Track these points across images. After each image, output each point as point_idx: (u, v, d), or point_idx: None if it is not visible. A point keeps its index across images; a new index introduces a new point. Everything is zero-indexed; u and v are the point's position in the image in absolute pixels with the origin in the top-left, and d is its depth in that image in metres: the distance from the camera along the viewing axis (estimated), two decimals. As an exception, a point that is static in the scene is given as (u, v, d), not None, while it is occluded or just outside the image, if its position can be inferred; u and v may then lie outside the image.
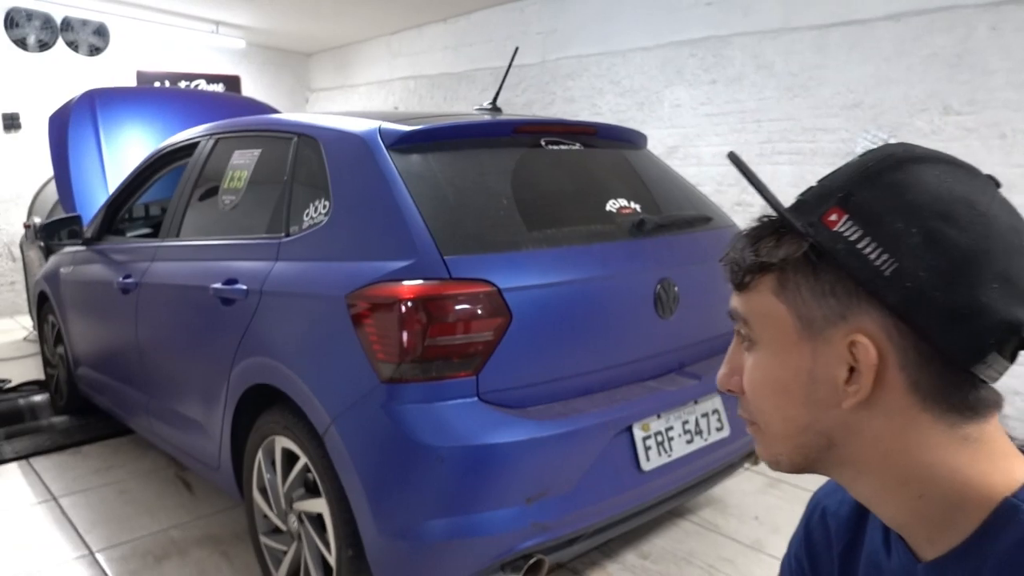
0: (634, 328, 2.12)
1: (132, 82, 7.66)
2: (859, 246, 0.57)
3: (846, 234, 0.57)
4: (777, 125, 4.49)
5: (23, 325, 6.59)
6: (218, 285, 2.43)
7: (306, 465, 2.07)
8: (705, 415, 2.22)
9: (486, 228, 1.99)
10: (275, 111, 5.42)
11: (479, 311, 1.81)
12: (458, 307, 1.80)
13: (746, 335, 0.67)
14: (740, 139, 4.72)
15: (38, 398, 4.35)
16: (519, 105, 6.52)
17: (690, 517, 2.84)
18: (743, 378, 0.68)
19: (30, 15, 7.16)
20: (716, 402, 2.26)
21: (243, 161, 2.74)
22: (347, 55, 8.78)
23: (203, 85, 8.22)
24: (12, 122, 7.17)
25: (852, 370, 0.59)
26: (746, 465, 2.64)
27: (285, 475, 2.18)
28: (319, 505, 2.04)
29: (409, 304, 1.78)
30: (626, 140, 2.71)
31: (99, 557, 2.67)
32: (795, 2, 4.34)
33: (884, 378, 0.58)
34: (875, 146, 0.65)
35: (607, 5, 5.61)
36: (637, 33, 5.38)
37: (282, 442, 2.17)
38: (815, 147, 4.26)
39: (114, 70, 7.57)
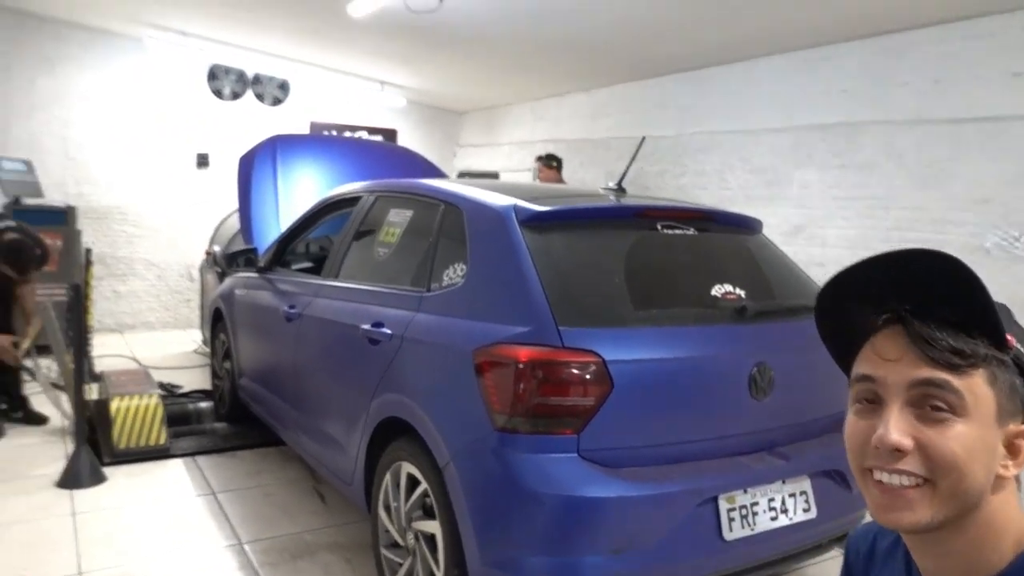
0: (727, 407, 2.33)
1: (306, 130, 8.58)
2: None
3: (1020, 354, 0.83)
4: (905, 214, 4.52)
5: (193, 338, 7.46)
6: (367, 326, 2.85)
7: (426, 491, 2.41)
8: (792, 495, 2.37)
9: (598, 304, 2.29)
10: (431, 164, 5.99)
11: (584, 378, 2.10)
12: (566, 373, 2.09)
13: (952, 405, 0.81)
14: (868, 224, 4.77)
15: (204, 404, 4.98)
16: (652, 174, 6.80)
17: (776, 591, 2.95)
18: (923, 441, 0.82)
19: (228, 70, 8.25)
20: (805, 484, 2.41)
21: (397, 219, 3.19)
22: (495, 116, 9.42)
23: (364, 135, 9.06)
24: (203, 160, 8.23)
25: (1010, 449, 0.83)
26: (835, 548, 2.72)
27: (407, 497, 2.53)
28: (433, 527, 2.36)
29: (524, 365, 2.10)
30: (741, 225, 2.93)
31: (246, 548, 3.13)
32: (929, 95, 4.40)
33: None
34: (1006, 243, 0.94)
35: (743, 86, 5.83)
36: (770, 114, 5.55)
37: (407, 468, 2.52)
38: (943, 239, 4.25)
39: (292, 119, 8.53)
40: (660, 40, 5.69)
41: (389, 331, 2.73)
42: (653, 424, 2.21)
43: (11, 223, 4.53)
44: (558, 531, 2.07)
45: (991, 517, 0.82)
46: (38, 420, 4.69)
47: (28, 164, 6.83)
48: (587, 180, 7.68)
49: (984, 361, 0.81)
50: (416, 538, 2.49)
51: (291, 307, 3.62)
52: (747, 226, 2.92)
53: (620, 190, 2.99)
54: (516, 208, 2.50)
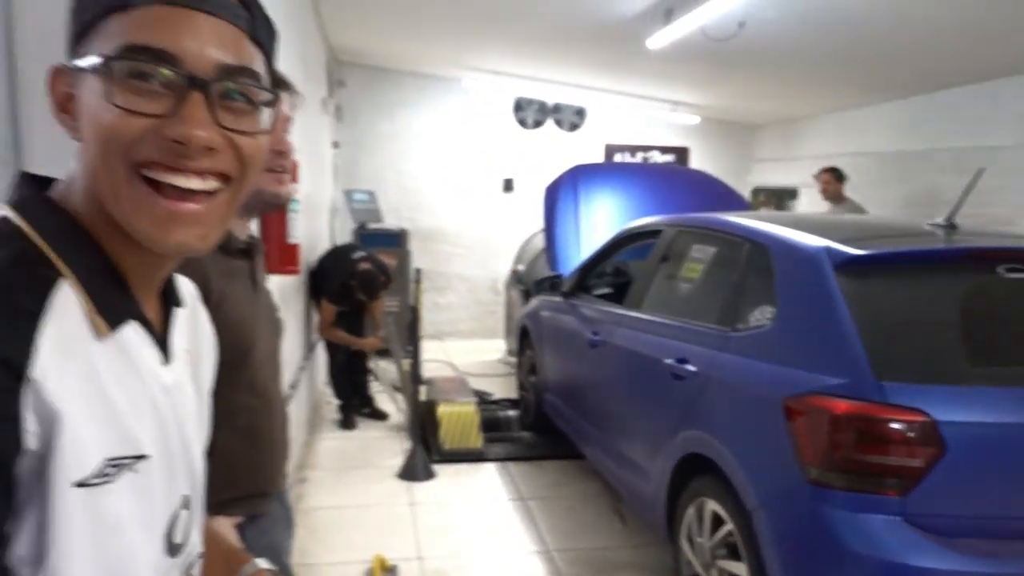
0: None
1: (600, 151, 8.97)
2: None
3: None
4: None
5: (498, 347, 8.20)
6: (671, 361, 2.97)
7: (731, 531, 2.47)
8: None
9: (925, 358, 2.17)
10: (729, 189, 5.96)
11: (911, 439, 2.00)
12: (889, 431, 2.02)
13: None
14: None
15: (512, 413, 5.48)
16: (984, 190, 6.02)
17: None
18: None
19: (531, 101, 8.94)
20: None
21: (700, 255, 3.27)
22: (792, 128, 9.01)
23: (657, 155, 9.21)
24: (508, 185, 9.00)
25: None
26: None
27: (711, 534, 2.60)
28: (739, 568, 2.41)
29: (841, 420, 2.07)
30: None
31: (554, 555, 3.43)
32: None
33: None
34: None
35: (1112, 85, 4.94)
36: None
37: (712, 505, 2.59)
38: None
39: (588, 142, 8.99)
40: (995, 42, 5.06)
41: (693, 367, 2.82)
42: (996, 494, 2.04)
43: (363, 253, 5.39)
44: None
45: None
46: (381, 416, 5.53)
47: (371, 194, 8.04)
48: (900, 198, 7.04)
49: None
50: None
51: (595, 333, 3.86)
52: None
53: (950, 227, 2.76)
54: (830, 251, 2.45)
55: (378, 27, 6.76)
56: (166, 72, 0.63)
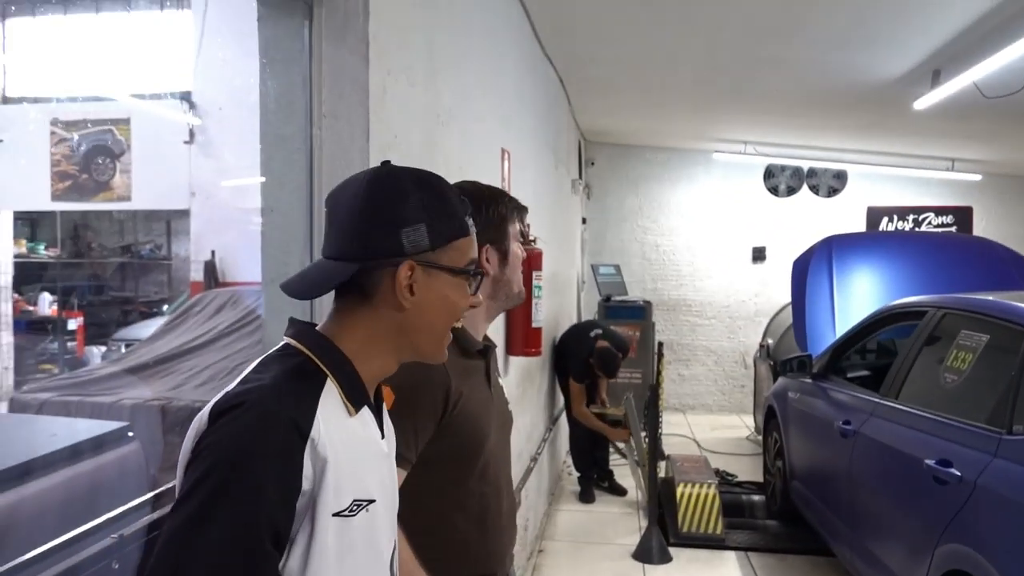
0: None
1: (862, 217, 8.33)
2: None
3: None
4: None
5: (747, 424, 7.82)
6: (931, 462, 2.66)
7: (1004, 668, 2.12)
8: None
9: None
10: (1017, 257, 5.21)
11: None
12: None
13: None
14: None
15: (756, 498, 5.19)
16: None
17: None
18: None
19: (783, 168, 8.61)
20: None
21: (970, 343, 2.91)
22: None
23: (932, 218, 8.32)
24: (759, 254, 8.70)
25: None
26: None
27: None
28: None
29: None
30: None
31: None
32: None
33: None
34: None
35: None
36: None
37: (982, 633, 2.25)
38: None
39: (847, 208, 8.41)
40: None
41: (959, 473, 2.50)
42: None
43: (599, 330, 5.50)
44: None
45: None
46: (620, 491, 5.53)
47: (617, 268, 8.22)
48: None
49: None
50: None
51: (847, 423, 3.57)
52: None
53: None
54: None
55: (622, 108, 7.03)
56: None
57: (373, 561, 0.99)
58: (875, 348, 4.63)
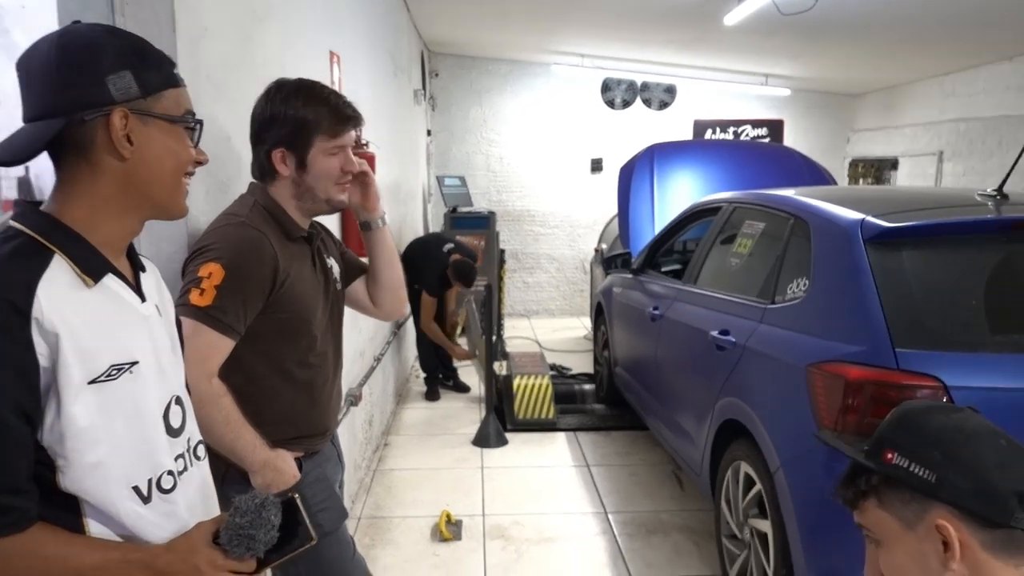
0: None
1: (690, 129, 8.91)
2: (910, 469, 0.92)
3: (901, 464, 0.93)
4: None
5: (584, 325, 8.38)
6: (715, 333, 3.08)
7: (760, 491, 2.58)
8: None
9: (945, 326, 2.21)
10: (812, 164, 5.84)
11: (916, 400, 2.07)
12: (898, 395, 2.09)
13: (873, 538, 1.00)
14: None
15: (587, 387, 5.68)
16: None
17: None
18: (881, 569, 1.00)
19: (619, 82, 8.98)
20: None
21: (750, 231, 3.34)
22: (894, 96, 8.63)
23: (749, 129, 9.04)
24: (596, 165, 9.11)
25: (945, 544, 0.91)
26: None
27: (744, 494, 2.73)
28: (765, 526, 2.53)
29: (853, 384, 2.15)
30: None
31: (610, 517, 3.62)
32: None
33: (965, 543, 0.90)
34: None
35: None
36: None
37: (745, 468, 2.72)
38: None
39: (676, 120, 8.95)
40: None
41: (734, 339, 2.93)
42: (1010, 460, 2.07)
43: (451, 244, 5.65)
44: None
45: None
46: (464, 389, 5.86)
47: (462, 179, 8.35)
48: (1004, 166, 6.67)
49: (869, 493, 0.99)
50: (751, 534, 2.68)
51: (655, 308, 4.00)
52: None
53: (1001, 196, 2.72)
54: (863, 224, 2.49)
55: (465, 18, 7.02)
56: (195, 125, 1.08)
57: (143, 417, 1.03)
58: (683, 249, 5.10)
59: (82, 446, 0.94)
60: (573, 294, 9.39)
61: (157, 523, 1.04)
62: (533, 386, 5.08)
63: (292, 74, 1.83)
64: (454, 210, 7.85)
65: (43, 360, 0.91)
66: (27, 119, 0.98)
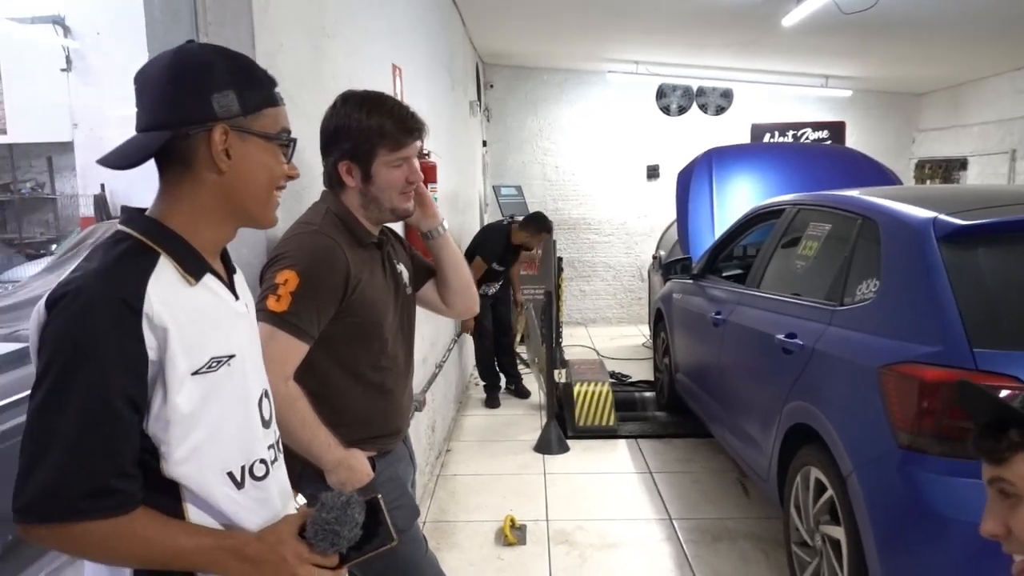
0: None
1: (747, 134, 8.79)
2: None
3: None
4: None
5: (643, 332, 8.33)
6: (782, 336, 3.04)
7: (831, 497, 2.54)
8: None
9: (1023, 325, 2.14)
10: (875, 164, 5.72)
11: (997, 401, 2.01)
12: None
13: (1011, 493, 0.97)
14: None
15: (647, 394, 5.64)
16: None
17: None
18: (1010, 525, 0.97)
19: (674, 88, 8.93)
20: None
21: (816, 233, 3.29)
22: (961, 93, 8.36)
23: (809, 132, 8.86)
24: (653, 172, 9.06)
25: None
26: None
27: (815, 500, 2.68)
28: (838, 533, 2.48)
29: (928, 386, 2.10)
30: None
31: (675, 523, 3.59)
32: None
33: None
34: None
35: None
36: None
37: (815, 473, 2.67)
38: None
39: (733, 125, 8.85)
40: None
41: (801, 342, 2.89)
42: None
43: (510, 217, 5.76)
44: (968, 556, 2.03)
45: None
46: (524, 394, 5.89)
47: (519, 189, 8.42)
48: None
49: (1018, 446, 0.96)
50: (823, 540, 2.63)
51: (718, 313, 3.96)
52: None
53: (1082, 192, 2.62)
54: (936, 222, 2.44)
55: (519, 30, 7.10)
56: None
57: (242, 405, 1.12)
58: (753, 253, 5.03)
59: (183, 432, 1.01)
60: (630, 302, 9.34)
61: (251, 508, 1.11)
62: (593, 393, 5.07)
63: (359, 87, 1.90)
64: (511, 219, 7.90)
65: (152, 353, 0.98)
66: (139, 129, 1.07)
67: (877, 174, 5.51)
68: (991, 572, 2.03)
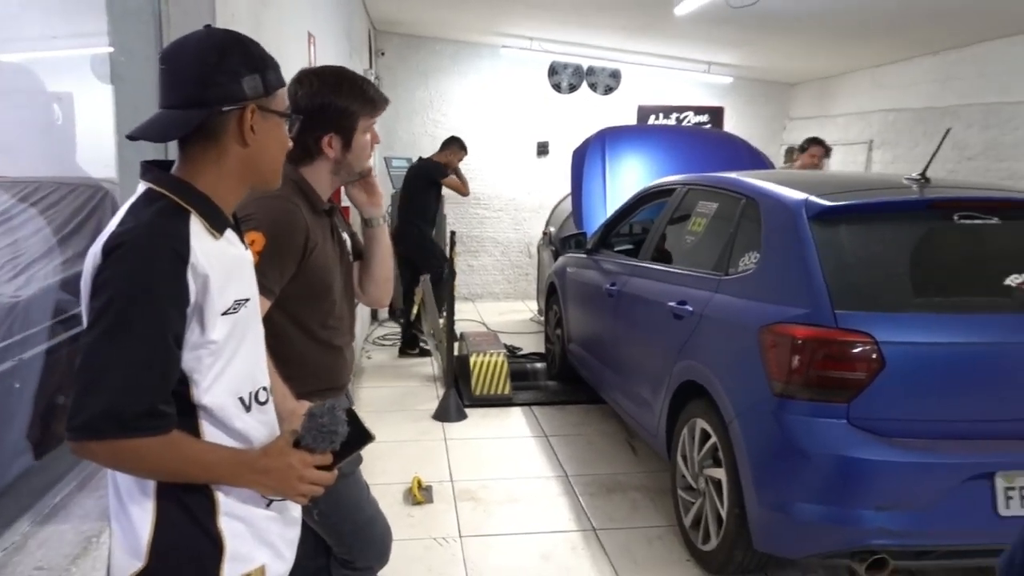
0: (1012, 393, 2.37)
1: (634, 114, 9.14)
2: None
3: None
4: None
5: (530, 308, 8.58)
6: (673, 304, 3.31)
7: (715, 443, 2.83)
8: (1094, 487, 2.32)
9: (877, 291, 2.49)
10: (752, 150, 6.16)
11: (855, 356, 2.33)
12: (838, 350, 2.35)
13: None
14: None
15: (539, 365, 5.88)
16: (1007, 145, 6.13)
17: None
18: None
19: (565, 66, 9.17)
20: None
21: (704, 211, 3.57)
22: (829, 86, 9.05)
23: (692, 115, 9.31)
24: (543, 149, 9.29)
25: None
26: None
27: (700, 448, 2.97)
28: (720, 474, 2.78)
29: (800, 342, 2.40)
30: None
31: (571, 479, 3.84)
32: None
33: None
34: None
35: None
36: None
37: (701, 424, 2.96)
38: None
39: (621, 105, 9.17)
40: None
41: (691, 308, 3.16)
42: (928, 401, 2.38)
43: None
44: (827, 484, 2.38)
45: None
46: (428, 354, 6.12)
47: (409, 160, 8.39)
48: (929, 155, 7.13)
49: None
50: (706, 482, 2.93)
51: (612, 284, 4.21)
52: (1073, 212, 2.77)
53: (924, 180, 3.00)
54: (807, 203, 2.75)
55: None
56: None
57: (256, 341, 1.32)
58: (636, 232, 5.33)
59: (211, 364, 1.18)
60: (517, 277, 9.53)
61: (256, 428, 1.29)
62: (489, 363, 5.24)
63: (283, 56, 1.96)
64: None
65: (193, 296, 1.14)
66: (169, 105, 1.20)
67: (754, 158, 5.96)
68: (840, 494, 2.37)
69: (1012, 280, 2.47)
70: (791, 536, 2.50)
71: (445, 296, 5.68)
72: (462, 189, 6.78)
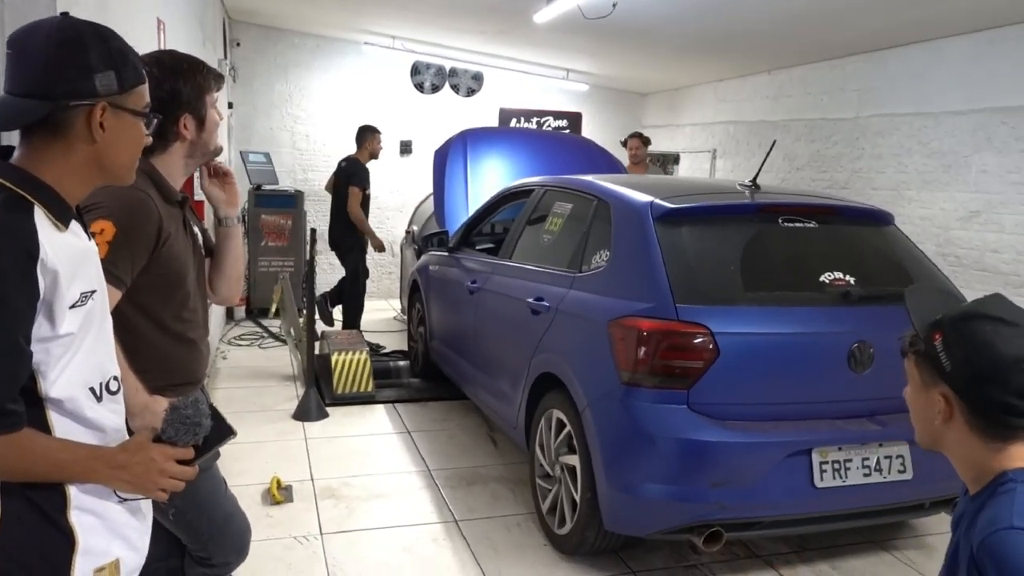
0: (826, 377, 2.68)
1: (495, 116, 9.32)
2: (940, 354, 1.18)
3: (937, 347, 1.19)
4: (1087, 201, 4.34)
5: (394, 307, 8.55)
6: (531, 300, 3.44)
7: (570, 432, 2.98)
8: (888, 457, 2.68)
9: (712, 286, 2.73)
10: (607, 154, 6.46)
11: (694, 346, 2.55)
12: (678, 341, 2.56)
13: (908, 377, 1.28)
14: (1047, 211, 4.61)
15: (402, 363, 5.89)
16: (828, 157, 6.80)
17: (892, 551, 3.21)
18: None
19: (428, 66, 9.21)
20: (903, 449, 2.70)
21: (560, 211, 3.74)
22: (677, 97, 9.64)
23: (551, 120, 9.61)
24: (406, 148, 9.27)
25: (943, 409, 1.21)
26: (944, 512, 2.94)
27: (556, 437, 3.12)
28: (574, 460, 2.94)
29: (644, 334, 2.59)
30: (869, 218, 3.18)
31: (433, 473, 3.90)
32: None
33: (954, 416, 1.19)
34: None
35: (925, 67, 5.71)
36: (952, 96, 5.43)
37: (557, 414, 3.11)
38: None
39: (484, 107, 9.32)
40: (843, 23, 5.65)
41: (547, 303, 3.31)
42: (756, 387, 2.63)
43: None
44: (669, 464, 2.58)
45: (958, 452, 1.22)
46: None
47: (267, 156, 8.15)
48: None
49: (907, 352, 1.26)
50: (562, 469, 3.08)
51: (473, 282, 4.30)
52: (875, 218, 3.17)
53: (755, 187, 3.31)
54: (652, 205, 2.96)
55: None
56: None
57: (103, 332, 1.29)
58: (503, 229, 5.47)
59: (59, 356, 1.16)
60: (381, 277, 9.45)
61: (110, 417, 1.28)
62: (351, 361, 5.20)
63: (131, 42, 1.89)
64: (259, 188, 7.66)
65: (43, 293, 1.11)
66: (13, 92, 1.14)
67: (608, 163, 6.25)
68: (682, 474, 2.58)
69: (825, 277, 2.79)
70: (638, 515, 2.70)
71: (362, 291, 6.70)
72: (362, 225, 7.00)
